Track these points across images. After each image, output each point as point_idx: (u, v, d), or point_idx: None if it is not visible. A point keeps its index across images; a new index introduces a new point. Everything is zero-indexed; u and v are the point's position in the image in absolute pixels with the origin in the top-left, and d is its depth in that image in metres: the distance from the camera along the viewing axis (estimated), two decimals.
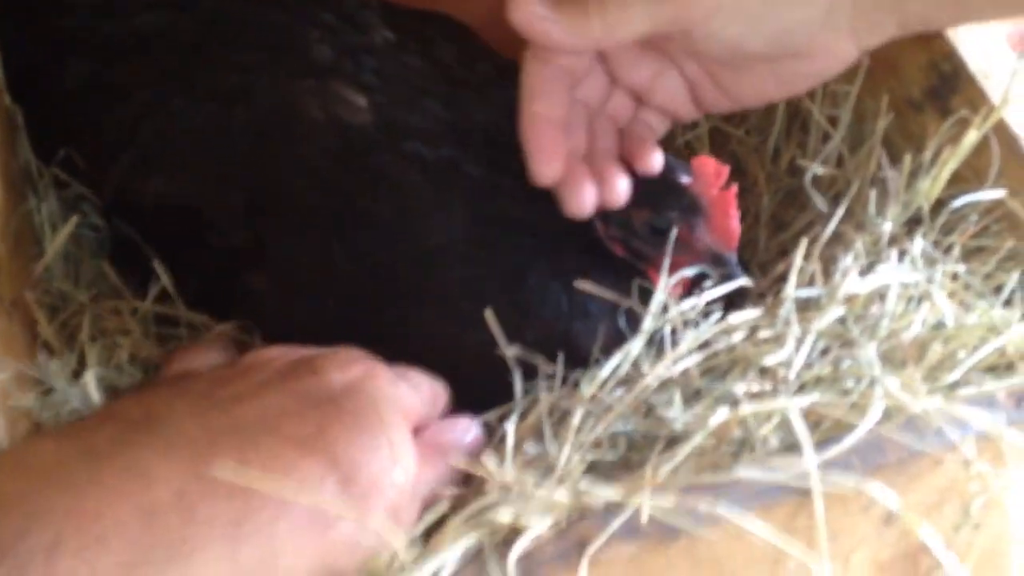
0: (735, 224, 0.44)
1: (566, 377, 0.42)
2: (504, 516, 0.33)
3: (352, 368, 0.36)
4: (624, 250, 0.46)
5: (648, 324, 0.42)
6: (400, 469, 0.34)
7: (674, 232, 0.43)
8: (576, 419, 0.38)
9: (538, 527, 0.33)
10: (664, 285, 0.42)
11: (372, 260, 0.43)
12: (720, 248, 0.44)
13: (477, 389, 0.40)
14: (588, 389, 0.39)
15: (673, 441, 0.38)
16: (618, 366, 0.41)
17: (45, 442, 0.34)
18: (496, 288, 0.43)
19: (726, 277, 0.44)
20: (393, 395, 0.36)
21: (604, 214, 0.45)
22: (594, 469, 0.38)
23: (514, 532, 0.34)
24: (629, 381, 0.41)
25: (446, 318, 0.43)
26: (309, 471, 0.32)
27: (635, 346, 0.41)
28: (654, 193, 0.44)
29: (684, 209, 0.44)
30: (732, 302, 0.44)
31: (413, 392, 0.38)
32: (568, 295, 0.44)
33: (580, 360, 0.42)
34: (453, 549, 0.32)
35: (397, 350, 0.39)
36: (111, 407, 0.37)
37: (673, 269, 0.43)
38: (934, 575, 0.39)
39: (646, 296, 0.43)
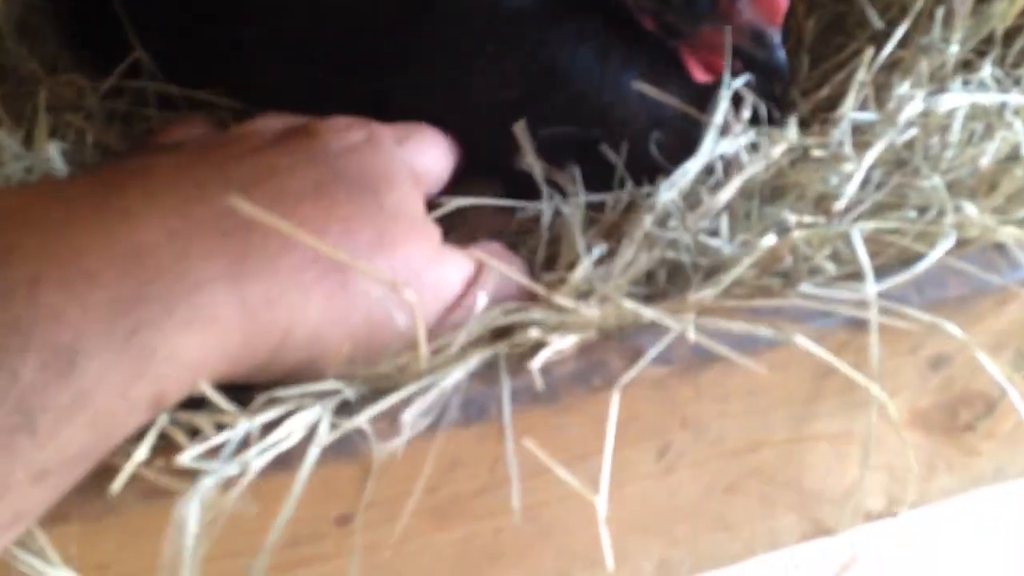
0: None
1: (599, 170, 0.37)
2: (528, 326, 0.29)
3: (351, 132, 0.32)
4: (655, 23, 0.39)
5: (709, 143, 0.36)
6: (416, 236, 0.30)
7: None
8: (630, 251, 0.34)
9: (562, 341, 0.30)
10: (727, 96, 0.37)
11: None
12: (762, 25, 0.38)
13: (490, 155, 0.36)
14: (649, 218, 0.35)
15: (716, 270, 0.34)
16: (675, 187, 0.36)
17: (3, 194, 0.29)
18: (518, 44, 0.37)
19: (766, 61, 0.38)
20: (399, 157, 0.32)
21: None
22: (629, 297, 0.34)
23: (538, 347, 0.30)
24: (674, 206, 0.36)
25: (458, 73, 0.38)
26: (308, 216, 0.28)
27: (694, 165, 0.36)
28: None
29: None
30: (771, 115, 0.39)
31: (422, 154, 0.34)
32: (601, 65, 0.38)
33: (615, 142, 0.38)
34: (469, 357, 0.28)
35: (400, 112, 0.35)
36: (82, 171, 0.32)
37: (706, 46, 0.38)
38: (975, 426, 0.37)
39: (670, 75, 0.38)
